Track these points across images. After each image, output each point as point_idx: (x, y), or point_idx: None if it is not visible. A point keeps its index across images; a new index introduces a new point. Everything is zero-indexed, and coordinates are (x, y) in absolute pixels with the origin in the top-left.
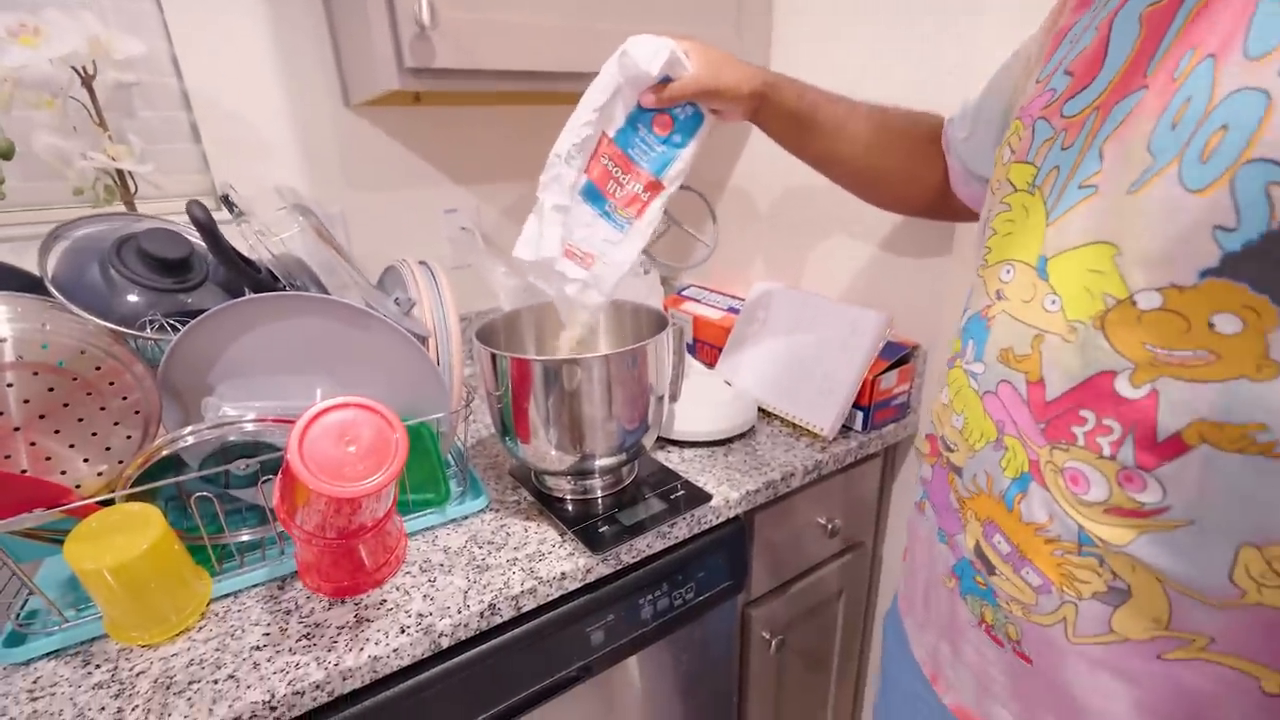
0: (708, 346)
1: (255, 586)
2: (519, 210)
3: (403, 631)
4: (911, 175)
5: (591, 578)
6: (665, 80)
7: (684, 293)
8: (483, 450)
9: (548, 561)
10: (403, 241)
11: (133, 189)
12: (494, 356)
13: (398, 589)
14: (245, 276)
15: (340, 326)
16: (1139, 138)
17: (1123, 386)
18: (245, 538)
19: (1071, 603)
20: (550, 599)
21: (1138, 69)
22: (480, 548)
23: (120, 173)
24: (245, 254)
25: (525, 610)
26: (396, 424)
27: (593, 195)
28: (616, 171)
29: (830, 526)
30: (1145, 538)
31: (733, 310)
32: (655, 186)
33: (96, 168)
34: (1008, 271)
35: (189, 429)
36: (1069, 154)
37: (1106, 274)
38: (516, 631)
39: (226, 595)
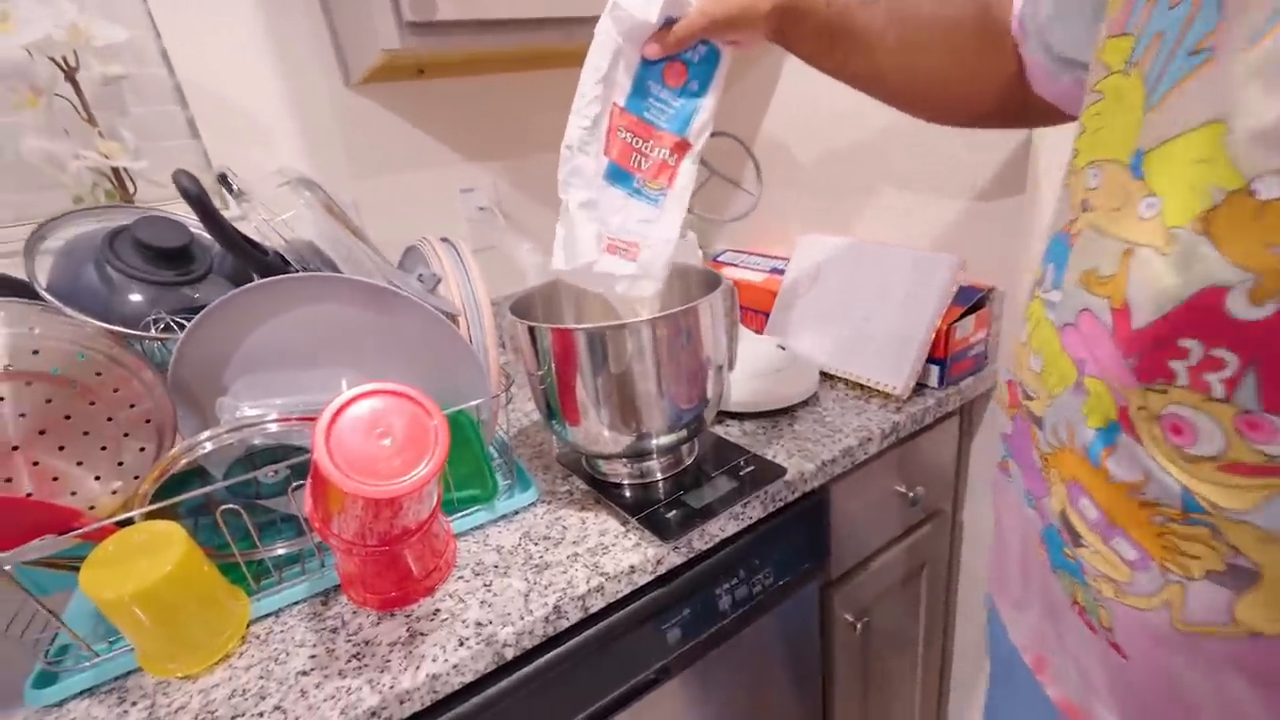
0: (751, 312)
1: (297, 604)
2: (539, 183)
3: (461, 644)
4: (975, 73)
5: (663, 569)
6: (668, 23)
7: (719, 258)
8: (525, 439)
9: (612, 554)
10: (419, 227)
11: (132, 190)
12: (532, 330)
13: (451, 596)
14: (250, 259)
15: (360, 311)
16: None
17: (1238, 305)
18: (280, 551)
19: (1178, 582)
20: (620, 596)
21: None
22: (536, 544)
23: (117, 173)
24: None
25: (593, 610)
26: (434, 410)
27: (618, 176)
28: (637, 142)
29: (912, 495)
30: (1278, 502)
31: (776, 271)
32: (682, 146)
33: (89, 167)
34: (1095, 175)
35: (207, 434)
36: (1177, 12)
37: (1213, 161)
38: (586, 635)
39: (267, 615)
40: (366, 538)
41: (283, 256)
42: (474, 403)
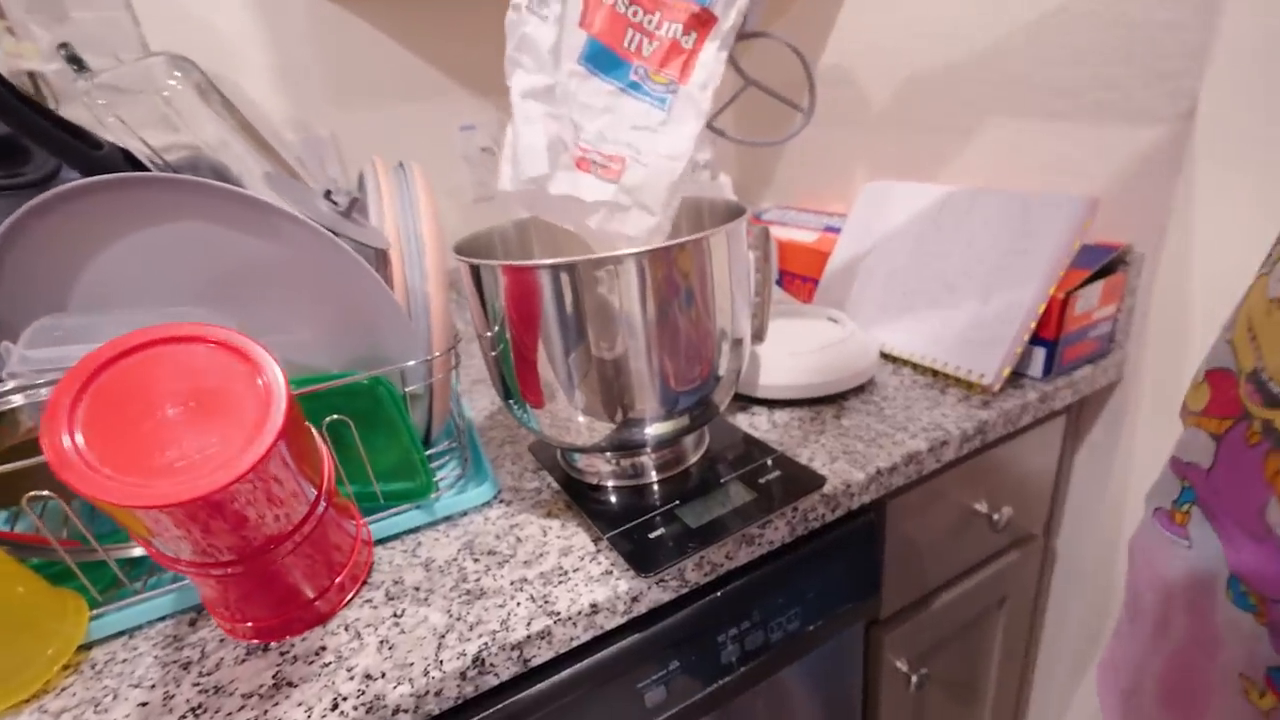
0: (799, 280)
1: (161, 620)
2: None
3: (335, 707)
4: None
5: (640, 608)
6: None
7: (762, 216)
8: (500, 418)
9: (571, 585)
10: None
11: (52, 101)
12: (476, 272)
13: (348, 629)
14: (61, 149)
15: (239, 235)
16: None
17: None
18: (139, 552)
19: None
20: (575, 644)
21: None
22: (477, 560)
23: (34, 79)
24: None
25: (535, 664)
26: (262, 361)
27: (604, 60)
28: (634, 11)
29: (997, 518)
30: None
31: (831, 230)
32: (703, 21)
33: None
34: None
35: (12, 384)
36: None
37: None
38: (522, 696)
39: (118, 635)
40: (217, 554)
41: (127, 154)
42: (392, 367)
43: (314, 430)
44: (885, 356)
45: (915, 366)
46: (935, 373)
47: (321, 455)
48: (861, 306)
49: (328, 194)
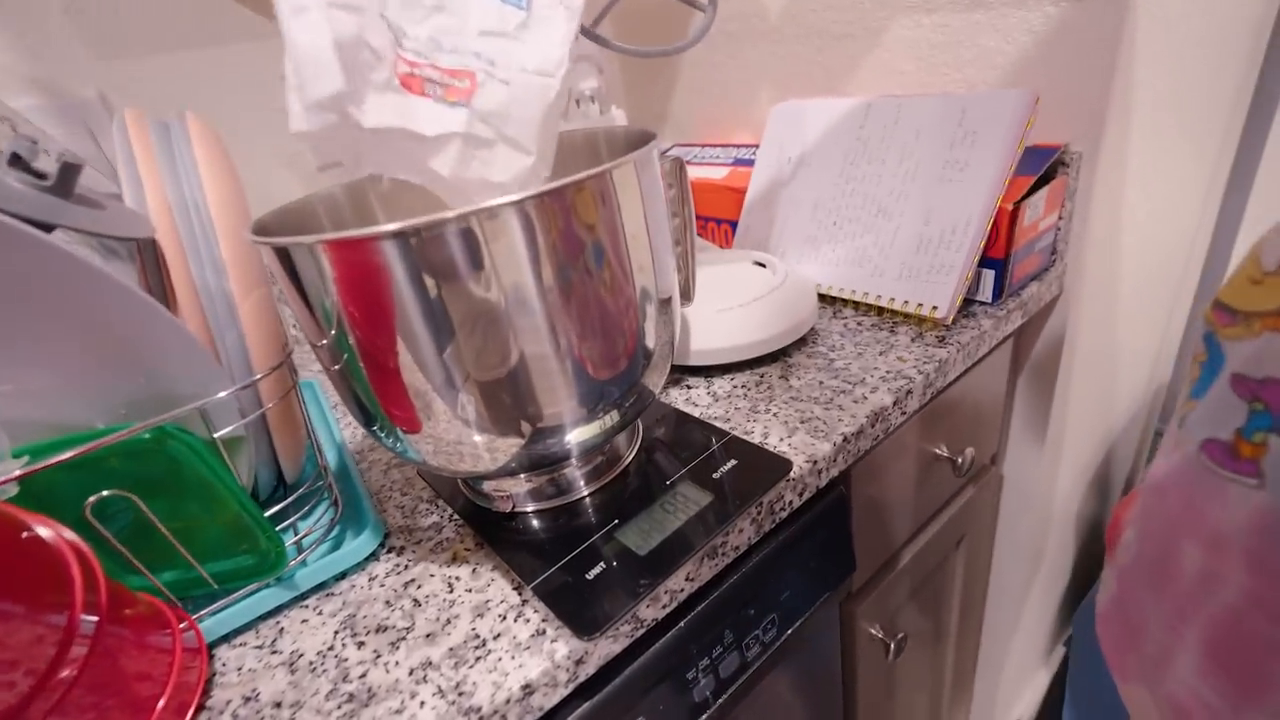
0: (713, 223)
1: None
2: None
3: None
4: None
5: (588, 671)
6: None
7: (664, 154)
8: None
9: (494, 659)
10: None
11: None
12: (285, 256)
13: None
14: None
15: None
16: None
17: None
18: None
19: None
20: None
21: None
22: (360, 645)
23: None
24: None
25: None
26: None
27: None
28: None
29: (960, 461)
30: None
31: (742, 163)
32: None
33: None
34: None
35: None
36: None
37: None
38: None
39: None
40: None
41: None
42: (184, 409)
43: (42, 531)
44: (823, 298)
45: (857, 305)
46: (880, 310)
47: (66, 562)
48: (789, 245)
49: (16, 159)
